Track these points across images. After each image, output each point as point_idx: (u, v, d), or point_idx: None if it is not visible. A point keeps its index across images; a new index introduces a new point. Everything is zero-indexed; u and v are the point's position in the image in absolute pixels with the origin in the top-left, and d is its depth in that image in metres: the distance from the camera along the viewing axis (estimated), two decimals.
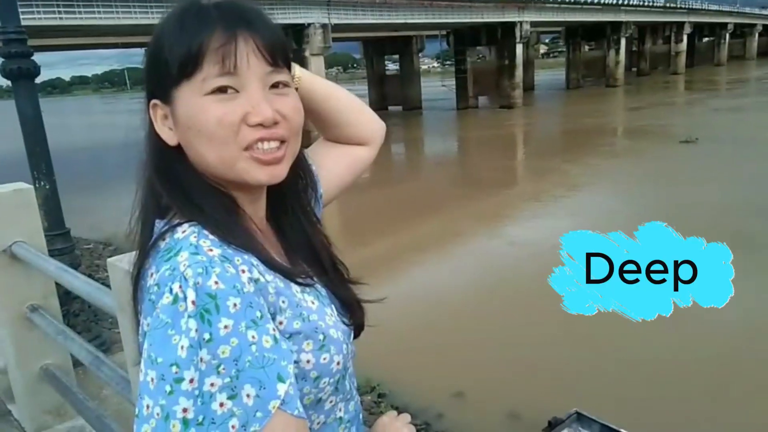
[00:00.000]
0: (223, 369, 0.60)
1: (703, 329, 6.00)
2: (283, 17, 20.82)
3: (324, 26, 22.87)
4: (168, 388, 0.59)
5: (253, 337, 0.62)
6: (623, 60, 39.22)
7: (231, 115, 0.69)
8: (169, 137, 0.74)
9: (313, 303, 0.76)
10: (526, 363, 5.63)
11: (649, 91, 34.94)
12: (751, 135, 16.90)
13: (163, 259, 0.66)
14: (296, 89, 0.85)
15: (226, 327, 0.60)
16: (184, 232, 0.69)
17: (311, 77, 0.94)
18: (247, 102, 0.70)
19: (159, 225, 0.74)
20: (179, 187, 0.74)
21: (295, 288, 0.75)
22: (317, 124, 0.99)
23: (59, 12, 16.35)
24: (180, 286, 0.62)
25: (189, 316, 0.60)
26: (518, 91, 31.78)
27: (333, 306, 0.82)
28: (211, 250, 0.66)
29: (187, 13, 0.72)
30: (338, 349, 0.75)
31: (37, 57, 3.78)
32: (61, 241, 3.84)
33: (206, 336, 0.60)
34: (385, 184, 15.40)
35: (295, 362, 0.69)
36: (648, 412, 4.68)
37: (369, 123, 1.02)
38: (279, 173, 0.74)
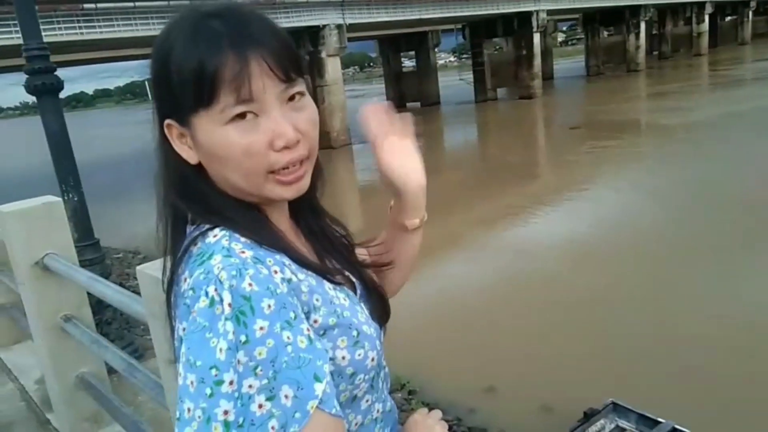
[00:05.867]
0: (261, 370, 0.60)
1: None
2: (297, 20, 20.92)
3: (339, 27, 22.90)
4: (208, 391, 0.60)
5: (288, 337, 0.62)
6: (644, 44, 38.42)
7: (256, 144, 0.69)
8: (190, 156, 0.73)
9: (345, 300, 0.77)
10: (555, 355, 5.57)
11: (671, 74, 34.23)
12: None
13: (196, 264, 0.67)
14: (416, 227, 0.95)
15: (261, 328, 0.61)
16: (215, 236, 0.69)
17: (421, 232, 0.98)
18: (268, 126, 0.69)
19: (189, 230, 0.74)
20: (203, 201, 0.74)
21: (328, 285, 0.76)
22: (388, 244, 0.98)
23: (79, 27, 16.67)
24: (215, 289, 0.62)
25: (226, 319, 0.60)
26: (537, 81, 31.39)
27: (362, 304, 0.83)
28: (243, 252, 0.66)
29: (195, 34, 0.69)
30: (372, 345, 0.76)
31: (60, 72, 3.85)
32: (91, 251, 3.92)
33: (242, 338, 0.60)
34: None
35: (331, 359, 0.70)
36: (682, 399, 4.60)
37: (400, 281, 1.02)
38: (302, 187, 0.75)
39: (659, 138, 16.30)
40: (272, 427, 0.60)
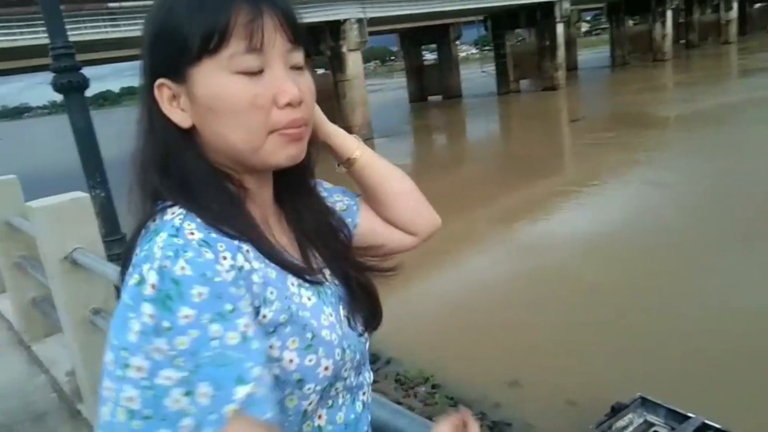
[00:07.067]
0: (181, 362, 0.55)
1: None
2: (318, 15, 20.96)
3: (360, 21, 22.87)
4: (119, 373, 0.56)
5: (216, 331, 0.57)
6: (670, 33, 37.59)
7: (262, 98, 0.66)
8: (182, 119, 0.69)
9: (309, 299, 0.71)
10: (580, 350, 5.51)
11: (699, 64, 33.51)
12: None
13: (145, 240, 0.63)
14: (349, 167, 0.89)
15: (186, 317, 0.56)
16: (173, 213, 0.65)
17: (371, 157, 0.90)
18: (273, 82, 0.67)
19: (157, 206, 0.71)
20: (179, 173, 0.69)
21: (292, 281, 0.71)
22: (366, 200, 0.93)
23: (104, 26, 16.94)
24: (149, 268, 0.58)
25: (145, 300, 0.56)
26: (561, 72, 30.98)
27: (340, 306, 0.77)
28: (192, 233, 0.62)
29: None
30: (329, 352, 0.70)
31: (87, 71, 3.90)
32: (118, 246, 3.97)
33: (166, 324, 0.55)
34: (433, 176, 15.36)
35: (277, 360, 0.65)
36: (712, 393, 4.51)
37: (420, 215, 0.94)
38: (301, 151, 0.72)
39: (688, 131, 15.97)
40: (184, 426, 0.55)
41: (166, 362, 0.55)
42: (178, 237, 0.61)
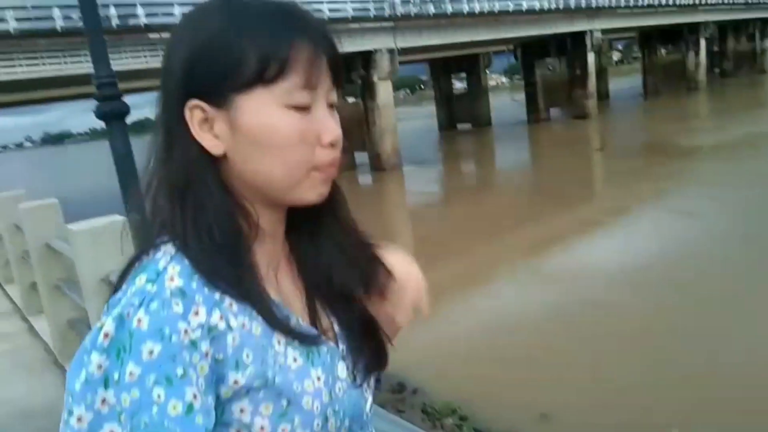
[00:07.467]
0: (124, 419, 0.53)
1: None
2: (350, 45, 21.34)
3: (390, 51, 23.22)
4: (64, 416, 0.55)
5: (158, 396, 0.53)
6: (704, 62, 37.19)
7: (309, 134, 0.65)
8: (214, 146, 0.64)
9: (295, 360, 0.65)
10: (612, 383, 5.36)
11: (735, 94, 32.95)
12: None
13: (131, 278, 0.60)
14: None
15: (131, 374, 0.53)
16: (164, 251, 0.62)
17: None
18: (318, 119, 0.66)
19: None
20: (194, 202, 0.64)
21: (279, 338, 0.64)
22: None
23: (144, 56, 17.60)
24: (112, 314, 0.56)
25: (96, 349, 0.54)
26: (592, 100, 30.85)
27: (340, 364, 0.71)
28: (172, 279, 0.58)
29: (271, 10, 0.65)
30: (306, 422, 0.64)
31: (128, 99, 4.07)
32: None
33: (116, 376, 0.53)
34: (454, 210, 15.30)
35: (247, 427, 0.61)
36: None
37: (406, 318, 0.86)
38: (327, 191, 0.70)
39: (721, 161, 15.66)
40: None
41: (111, 416, 0.53)
42: (154, 283, 0.58)
